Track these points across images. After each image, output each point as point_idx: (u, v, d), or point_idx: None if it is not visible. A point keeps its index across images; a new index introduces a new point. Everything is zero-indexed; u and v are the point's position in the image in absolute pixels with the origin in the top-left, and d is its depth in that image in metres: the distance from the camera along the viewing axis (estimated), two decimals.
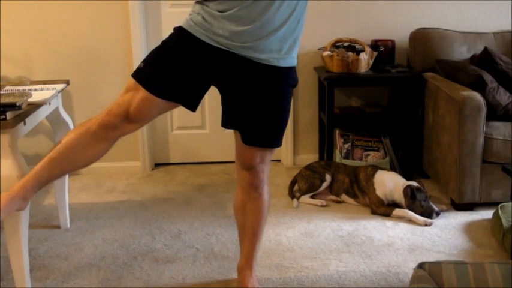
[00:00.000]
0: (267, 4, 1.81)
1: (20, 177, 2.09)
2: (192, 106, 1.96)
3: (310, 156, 3.90)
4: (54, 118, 2.76)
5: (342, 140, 3.65)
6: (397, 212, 3.03)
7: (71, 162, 1.95)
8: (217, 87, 2.02)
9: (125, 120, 1.91)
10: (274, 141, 2.06)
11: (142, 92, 1.89)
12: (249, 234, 2.26)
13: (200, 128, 3.96)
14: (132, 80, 1.93)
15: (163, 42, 1.97)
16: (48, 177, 1.96)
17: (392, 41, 3.65)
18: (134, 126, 1.95)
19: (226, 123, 2.08)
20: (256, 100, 1.97)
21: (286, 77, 1.99)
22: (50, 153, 1.94)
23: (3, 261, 2.55)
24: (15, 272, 2.23)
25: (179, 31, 1.94)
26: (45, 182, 1.96)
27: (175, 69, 1.89)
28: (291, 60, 1.97)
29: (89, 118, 1.98)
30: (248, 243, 2.28)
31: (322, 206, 3.20)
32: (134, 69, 3.95)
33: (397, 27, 3.77)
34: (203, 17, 1.88)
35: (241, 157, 2.11)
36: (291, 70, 1.99)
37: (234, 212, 2.28)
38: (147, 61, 1.95)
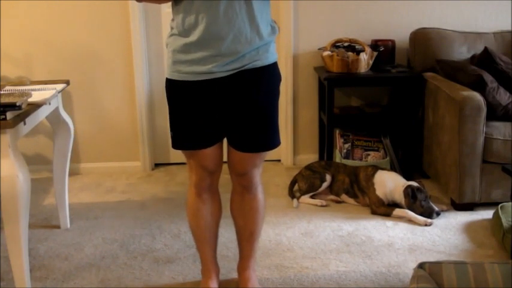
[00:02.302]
0: (231, 17, 1.83)
1: (19, 177, 2.11)
2: (230, 134, 2.05)
3: (310, 156, 3.90)
4: (54, 118, 2.76)
5: (342, 140, 3.65)
6: (397, 212, 3.03)
7: (212, 227, 2.26)
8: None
9: (210, 175, 2.13)
10: (269, 143, 2.06)
11: (196, 153, 2.05)
12: (247, 235, 2.26)
13: None
14: None
15: (167, 101, 2.05)
16: (213, 247, 2.31)
17: (393, 41, 3.65)
18: (217, 173, 2.16)
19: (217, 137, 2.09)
20: (246, 107, 1.98)
21: (272, 75, 2.00)
22: (196, 239, 2.28)
23: (3, 261, 2.55)
24: (15, 272, 2.23)
25: (167, 83, 2.01)
26: (214, 251, 2.32)
27: (192, 118, 1.98)
28: (272, 56, 1.99)
29: (187, 197, 2.24)
30: (246, 243, 2.28)
31: (322, 206, 3.20)
32: (134, 68, 3.96)
33: (397, 27, 3.77)
34: (176, 52, 1.93)
35: (233, 164, 2.12)
36: (275, 66, 2.02)
37: (231, 213, 2.28)
38: (171, 127, 2.07)
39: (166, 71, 2.00)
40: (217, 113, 1.99)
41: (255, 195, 2.18)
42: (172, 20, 1.95)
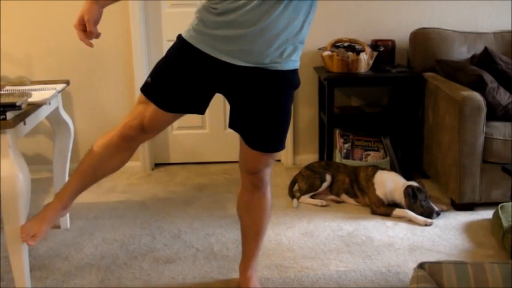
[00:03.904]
0: (270, 8, 1.80)
1: (19, 177, 2.11)
2: (201, 111, 2.03)
3: (310, 156, 3.90)
4: (54, 118, 2.76)
5: (342, 140, 3.65)
6: (397, 212, 3.03)
7: (100, 171, 2.14)
8: (223, 94, 2.03)
9: (141, 131, 2.02)
10: (280, 145, 2.07)
11: (152, 106, 1.98)
12: (253, 234, 2.26)
13: (200, 128, 3.97)
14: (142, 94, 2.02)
15: (167, 54, 1.99)
16: (82, 188, 2.16)
17: (393, 41, 3.65)
18: (150, 135, 2.07)
19: (232, 125, 2.07)
20: (260, 106, 1.97)
21: (288, 81, 1.99)
22: (79, 167, 2.14)
23: (3, 261, 2.55)
24: (15, 272, 2.22)
25: (180, 42, 1.95)
26: (80, 191, 2.17)
27: (180, 83, 1.94)
28: (293, 64, 1.96)
29: (109, 130, 2.11)
30: (251, 242, 2.28)
31: (322, 206, 3.20)
32: (134, 68, 3.96)
33: (397, 27, 3.77)
34: (204, 24, 1.89)
35: (246, 163, 2.11)
36: (294, 73, 1.99)
37: (238, 211, 2.28)
38: (153, 75, 2.00)
39: (185, 32, 1.94)
40: (207, 94, 1.98)
41: (264, 193, 2.18)
42: (203, 7, 1.90)
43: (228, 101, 2.04)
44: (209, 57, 1.89)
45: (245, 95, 1.96)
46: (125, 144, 2.07)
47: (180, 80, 1.94)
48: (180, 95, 1.95)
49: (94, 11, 1.89)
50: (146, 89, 1.99)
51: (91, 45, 1.92)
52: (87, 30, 1.90)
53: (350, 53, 3.46)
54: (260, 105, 1.97)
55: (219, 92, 2.01)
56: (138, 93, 3.75)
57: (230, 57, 1.88)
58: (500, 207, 2.83)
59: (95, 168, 2.12)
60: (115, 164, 2.13)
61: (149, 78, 2.00)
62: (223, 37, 1.86)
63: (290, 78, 1.99)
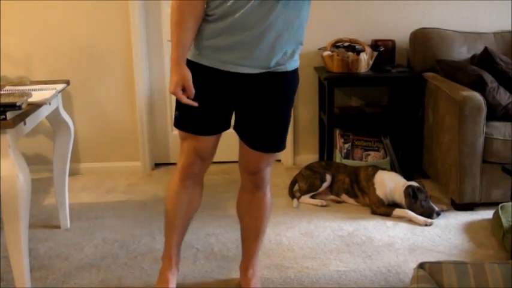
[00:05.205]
0: (269, 8, 1.80)
1: (19, 177, 2.12)
2: (228, 126, 2.07)
3: (310, 156, 3.90)
4: (54, 118, 2.76)
5: (342, 140, 3.65)
6: (397, 212, 3.03)
7: (186, 217, 2.23)
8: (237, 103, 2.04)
9: (200, 162, 2.09)
10: (282, 145, 2.09)
11: (193, 136, 2.02)
12: (253, 233, 2.27)
13: None
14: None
15: None
16: (180, 238, 2.26)
17: (393, 41, 3.66)
18: (208, 161, 2.14)
19: (237, 128, 2.09)
20: (268, 109, 1.99)
21: (291, 80, 2.01)
22: (167, 225, 2.23)
23: (3, 261, 2.55)
24: (15, 272, 2.23)
25: (188, 65, 1.95)
26: (180, 242, 2.27)
27: (203, 104, 1.95)
28: (295, 63, 1.98)
29: (169, 181, 2.22)
30: (252, 242, 2.29)
31: (322, 206, 3.20)
32: (134, 68, 3.94)
33: (397, 27, 3.77)
34: (202, 35, 1.90)
35: (247, 163, 2.12)
36: (296, 72, 2.02)
37: (238, 212, 2.28)
38: (178, 107, 2.03)
39: (189, 53, 1.95)
40: (229, 106, 2.00)
41: (264, 193, 2.19)
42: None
43: (237, 108, 2.04)
44: (217, 71, 1.91)
45: (255, 100, 1.98)
46: (190, 181, 2.13)
47: (201, 101, 1.94)
48: (209, 116, 1.98)
49: (187, 73, 1.90)
50: (179, 124, 2.04)
51: (195, 103, 1.92)
52: (189, 93, 1.91)
53: (350, 53, 3.46)
54: (268, 108, 1.99)
55: (236, 102, 2.00)
56: (138, 93, 3.78)
57: (237, 66, 1.89)
58: (500, 207, 2.83)
59: (180, 217, 2.21)
60: (194, 203, 2.21)
61: (176, 112, 2.03)
62: (225, 46, 1.87)
63: (293, 78, 2.02)
